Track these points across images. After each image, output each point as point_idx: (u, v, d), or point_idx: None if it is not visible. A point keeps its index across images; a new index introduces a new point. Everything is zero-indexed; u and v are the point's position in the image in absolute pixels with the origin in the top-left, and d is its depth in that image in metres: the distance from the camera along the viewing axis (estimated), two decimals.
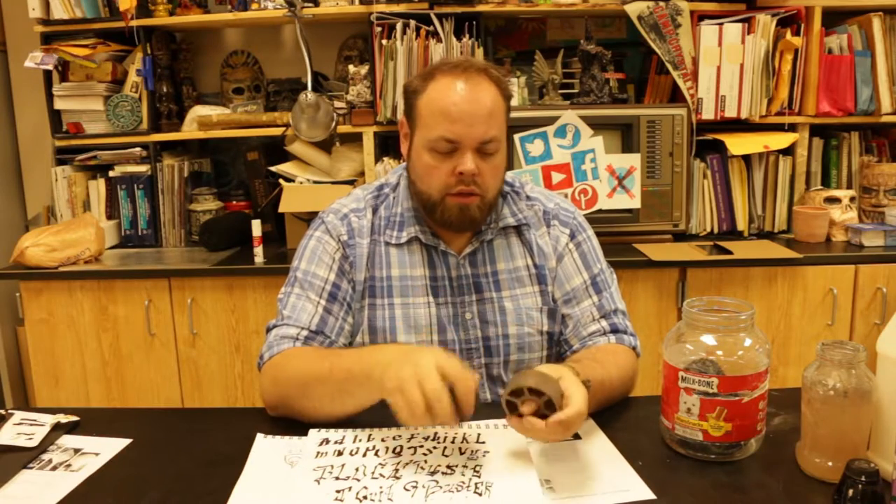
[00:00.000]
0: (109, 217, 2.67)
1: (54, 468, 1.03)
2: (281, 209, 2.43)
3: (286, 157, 2.69)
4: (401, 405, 0.96)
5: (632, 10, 2.42)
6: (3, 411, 1.17)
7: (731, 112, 2.46)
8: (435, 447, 1.04)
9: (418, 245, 1.31)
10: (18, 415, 1.16)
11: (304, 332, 1.24)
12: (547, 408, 0.96)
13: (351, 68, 2.54)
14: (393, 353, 1.03)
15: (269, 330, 1.28)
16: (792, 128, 2.49)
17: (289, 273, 1.32)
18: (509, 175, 1.40)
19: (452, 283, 1.30)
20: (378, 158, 2.54)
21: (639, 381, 1.29)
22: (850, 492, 0.86)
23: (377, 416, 1.10)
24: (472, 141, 1.20)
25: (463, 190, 1.21)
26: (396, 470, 0.99)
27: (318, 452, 1.04)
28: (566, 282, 1.33)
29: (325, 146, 2.62)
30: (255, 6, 2.54)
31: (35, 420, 1.15)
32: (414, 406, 0.94)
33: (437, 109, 1.20)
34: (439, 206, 1.23)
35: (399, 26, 2.44)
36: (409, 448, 1.04)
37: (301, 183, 2.53)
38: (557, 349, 1.35)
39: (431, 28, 2.45)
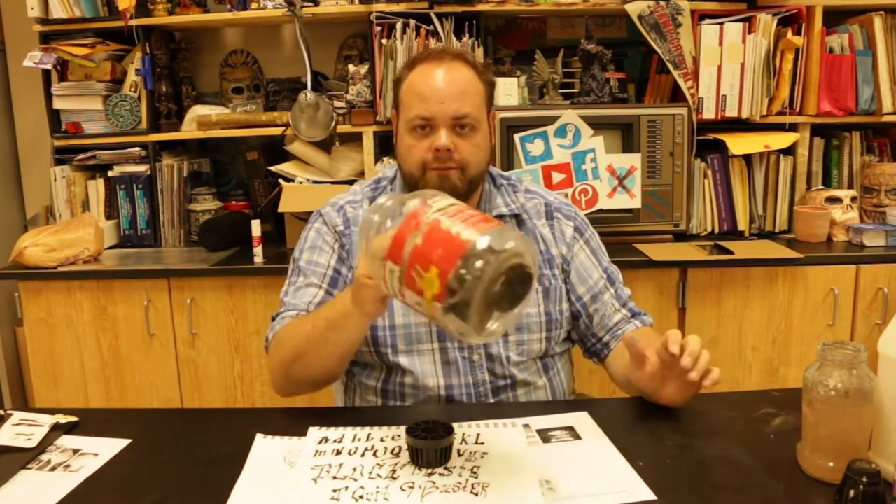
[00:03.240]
0: (108, 217, 2.66)
1: (53, 469, 1.03)
2: (280, 209, 2.42)
3: (286, 156, 2.68)
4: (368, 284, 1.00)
5: (632, 9, 2.42)
6: (1, 412, 1.16)
7: (731, 112, 2.45)
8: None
9: None
10: (17, 415, 1.16)
11: (304, 313, 1.29)
12: None
13: (351, 68, 2.53)
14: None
15: (273, 319, 1.33)
16: (793, 127, 2.49)
17: (291, 265, 1.38)
18: (510, 174, 1.46)
19: None
20: (378, 158, 2.54)
21: None
22: (852, 492, 0.86)
23: (377, 416, 1.10)
24: (444, 117, 1.26)
25: (440, 165, 1.27)
26: (394, 470, 0.98)
27: (317, 451, 1.04)
28: (588, 277, 1.39)
29: (325, 146, 2.61)
30: (254, 5, 2.53)
31: (34, 420, 1.15)
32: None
33: (412, 91, 1.28)
34: (420, 181, 1.29)
35: (399, 26, 2.43)
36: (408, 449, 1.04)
37: (301, 183, 2.53)
38: (585, 343, 1.41)
39: (431, 28, 2.44)
